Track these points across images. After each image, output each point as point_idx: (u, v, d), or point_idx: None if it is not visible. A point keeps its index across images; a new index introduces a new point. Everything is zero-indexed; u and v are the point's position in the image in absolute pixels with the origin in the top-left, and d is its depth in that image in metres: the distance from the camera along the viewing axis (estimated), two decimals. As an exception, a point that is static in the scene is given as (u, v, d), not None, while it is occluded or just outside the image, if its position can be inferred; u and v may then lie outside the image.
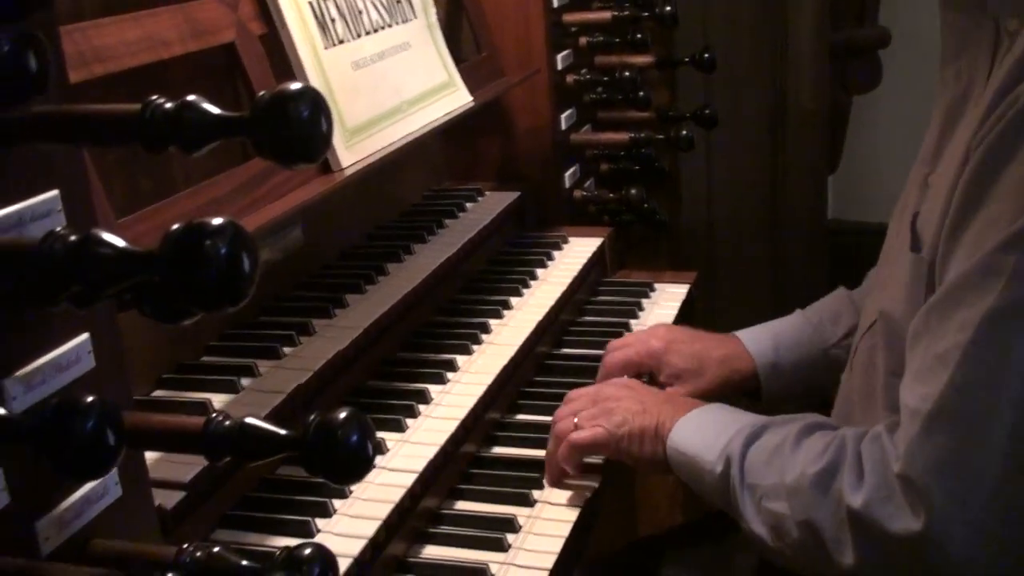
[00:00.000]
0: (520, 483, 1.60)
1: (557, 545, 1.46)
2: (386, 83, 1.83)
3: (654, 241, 2.76)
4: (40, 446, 0.82)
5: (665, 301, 2.21)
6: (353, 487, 1.44)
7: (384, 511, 1.39)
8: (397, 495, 1.43)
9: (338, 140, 1.63)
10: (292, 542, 0.90)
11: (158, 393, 1.51)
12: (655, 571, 1.82)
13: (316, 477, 0.89)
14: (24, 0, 0.72)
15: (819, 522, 1.34)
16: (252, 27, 1.58)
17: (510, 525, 1.49)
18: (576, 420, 1.61)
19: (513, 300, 2.03)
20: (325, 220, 1.96)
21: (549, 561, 1.42)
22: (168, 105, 0.81)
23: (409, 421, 1.60)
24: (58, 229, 0.76)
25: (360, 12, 1.81)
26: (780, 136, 3.68)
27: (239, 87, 1.59)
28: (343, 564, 1.29)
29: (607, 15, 2.45)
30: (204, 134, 0.81)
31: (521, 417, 1.80)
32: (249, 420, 0.91)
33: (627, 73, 2.49)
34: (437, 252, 2.05)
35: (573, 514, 1.53)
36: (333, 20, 1.72)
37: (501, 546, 1.45)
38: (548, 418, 1.69)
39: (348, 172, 1.62)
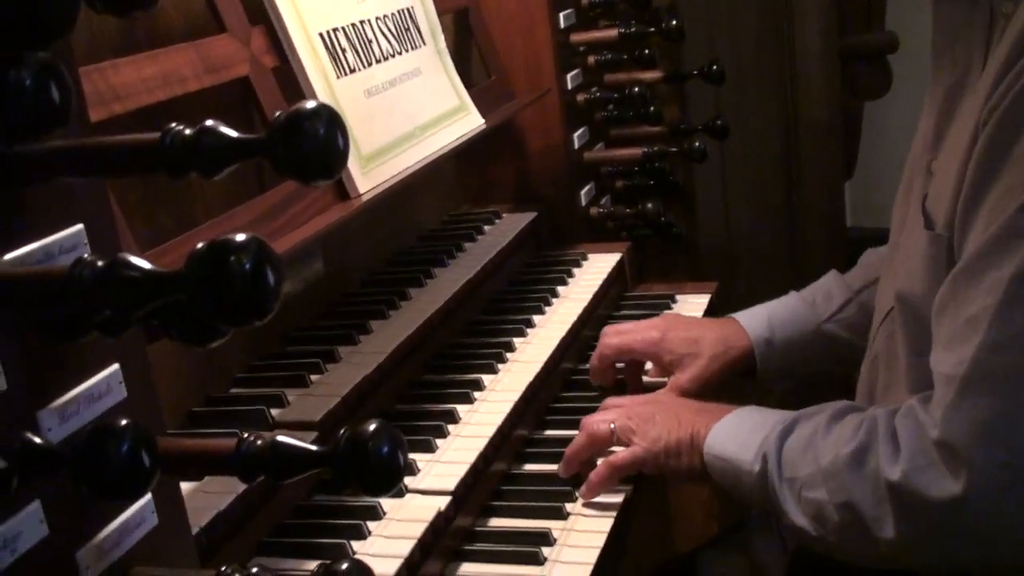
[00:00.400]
0: (552, 497, 1.61)
1: (593, 556, 1.46)
2: (399, 109, 1.85)
3: (673, 255, 2.77)
4: (77, 471, 0.83)
5: (687, 312, 2.21)
6: (387, 508, 1.45)
7: (418, 530, 1.40)
8: (430, 514, 1.43)
9: (354, 167, 1.65)
10: (329, 565, 0.91)
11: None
12: None
13: (348, 490, 0.90)
14: (47, 26, 0.73)
15: (857, 501, 1.35)
16: (265, 60, 1.61)
17: (545, 539, 1.50)
18: (612, 425, 1.63)
19: (536, 318, 2.04)
20: (345, 249, 1.98)
21: (586, 572, 1.42)
22: (187, 131, 0.82)
23: (439, 441, 1.61)
24: (86, 256, 0.78)
25: (370, 41, 1.84)
26: (793, 144, 3.69)
27: (254, 118, 1.62)
28: (380, 584, 1.30)
29: (614, 33, 2.47)
30: (223, 156, 0.83)
31: (550, 433, 1.81)
32: (280, 438, 0.92)
33: (636, 89, 2.51)
34: (457, 275, 2.06)
35: (607, 523, 1.54)
36: (344, 50, 1.74)
37: (537, 559, 1.45)
38: (577, 433, 1.69)
39: (365, 198, 1.64)
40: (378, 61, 1.85)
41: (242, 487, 1.35)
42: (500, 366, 1.85)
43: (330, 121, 0.79)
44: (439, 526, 1.44)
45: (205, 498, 1.32)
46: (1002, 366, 1.23)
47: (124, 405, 1.00)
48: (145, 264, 0.75)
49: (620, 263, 2.34)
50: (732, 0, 3.20)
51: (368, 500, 1.46)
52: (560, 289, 2.18)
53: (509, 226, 2.34)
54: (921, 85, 1.59)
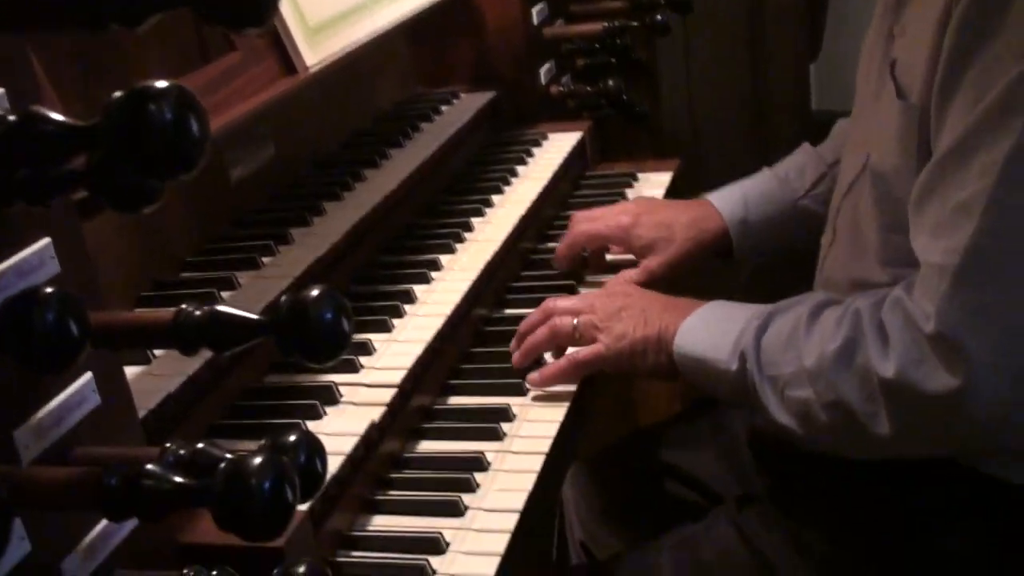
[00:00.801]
0: (512, 374, 1.58)
1: (552, 430, 1.45)
2: (347, -21, 1.77)
3: (636, 135, 2.72)
4: (3, 342, 0.79)
5: (649, 190, 2.17)
6: (343, 389, 1.43)
7: (375, 410, 1.38)
8: (387, 395, 1.41)
9: (300, 39, 1.58)
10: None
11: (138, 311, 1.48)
12: (655, 454, 1.82)
13: (291, 359, 0.87)
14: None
15: (848, 399, 1.30)
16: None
17: (504, 415, 1.48)
18: (575, 322, 1.58)
19: (494, 198, 2.00)
20: (296, 131, 1.92)
21: (545, 446, 1.41)
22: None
23: (395, 321, 1.58)
24: (-3, 112, 0.73)
25: (314, -94, 1.75)
26: (759, 25, 3.62)
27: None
28: (336, 462, 1.28)
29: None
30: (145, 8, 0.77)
31: (510, 312, 1.78)
32: (220, 308, 0.88)
33: (597, -38, 2.43)
34: (414, 155, 2.01)
35: (567, 399, 1.52)
36: (285, -85, 1.66)
37: (497, 435, 1.44)
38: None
39: (313, 71, 1.58)
40: (324, -72, 1.76)
41: (191, 368, 1.32)
42: (458, 246, 1.81)
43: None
44: (396, 405, 1.42)
45: (153, 381, 1.29)
46: (998, 253, 1.18)
47: (58, 280, 0.96)
48: (59, 117, 0.70)
49: (581, 142, 2.29)
50: None
51: (323, 380, 1.43)
52: (519, 169, 2.14)
53: (467, 106, 2.28)
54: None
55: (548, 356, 1.61)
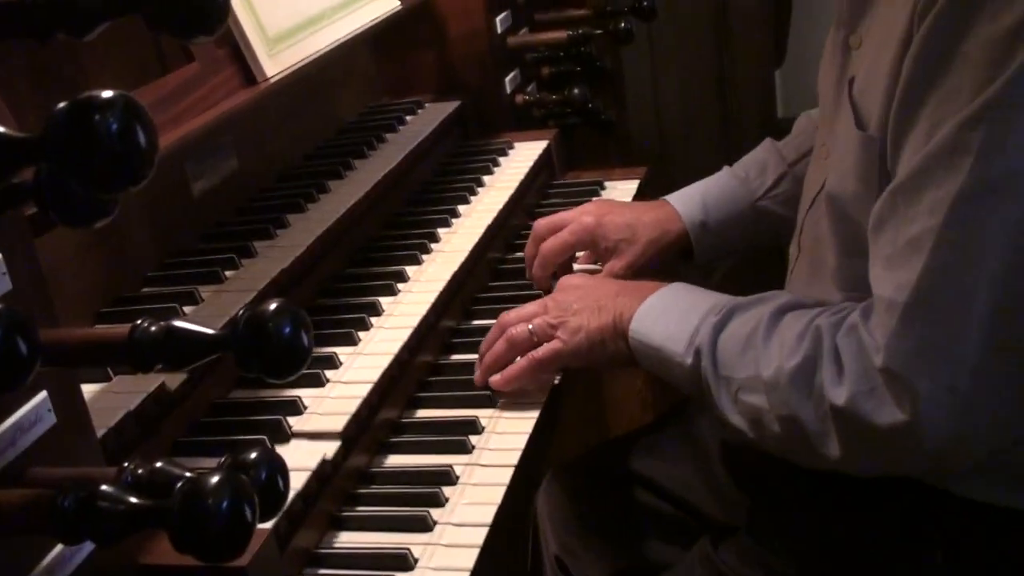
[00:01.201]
0: (481, 387, 1.56)
1: (521, 442, 1.43)
2: (307, -10, 1.76)
3: (603, 144, 2.72)
4: (-52, 363, 0.77)
5: (616, 198, 2.16)
6: (308, 403, 1.40)
7: (340, 423, 1.35)
8: (353, 406, 1.39)
9: (259, 49, 1.56)
10: (248, 463, 0.87)
11: (98, 326, 1.45)
12: (627, 465, 1.80)
13: (251, 374, 0.85)
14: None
15: (801, 418, 1.29)
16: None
17: (472, 427, 1.46)
18: (531, 327, 1.56)
19: (461, 208, 1.98)
20: (260, 144, 1.89)
21: (514, 458, 1.39)
22: None
23: (361, 334, 1.56)
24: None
25: (273, -84, 1.73)
26: (724, 31, 3.63)
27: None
28: (301, 478, 1.26)
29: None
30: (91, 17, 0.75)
31: (477, 323, 1.76)
32: (177, 323, 0.86)
33: (560, -30, 2.43)
34: (378, 166, 1.99)
35: (536, 411, 1.50)
36: (244, -75, 1.64)
37: (465, 448, 1.42)
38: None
39: (273, 81, 1.56)
40: (283, -62, 1.74)
41: (152, 385, 1.29)
42: (424, 257, 1.80)
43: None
44: (363, 418, 1.40)
45: (114, 398, 1.27)
46: (944, 292, 1.18)
47: (9, 297, 0.94)
48: (0, 128, 0.68)
49: (547, 151, 2.28)
50: None
51: (288, 395, 1.41)
52: (486, 179, 2.12)
53: (432, 116, 2.26)
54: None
55: None
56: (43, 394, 0.96)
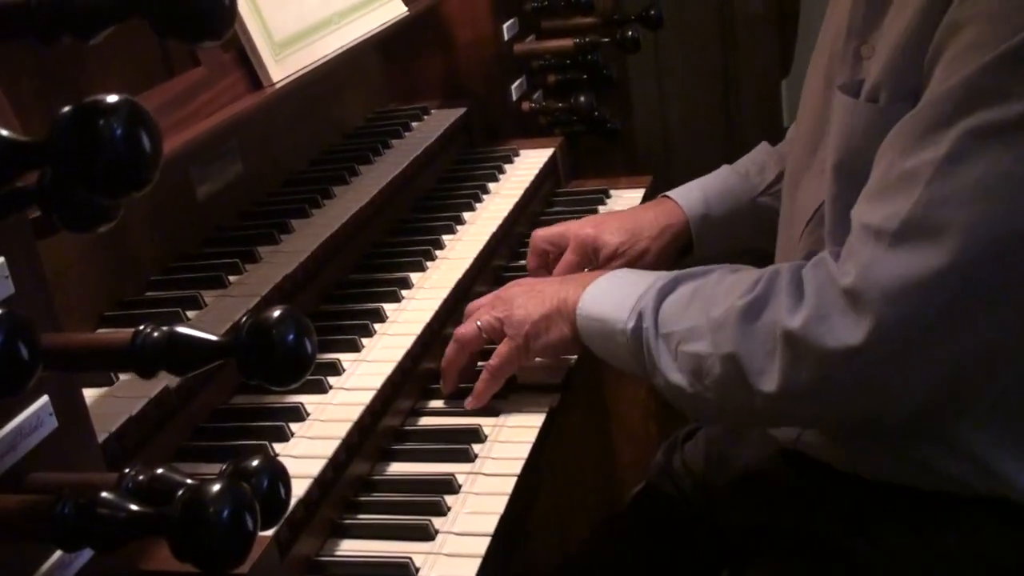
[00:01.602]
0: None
1: (524, 451, 1.42)
2: (314, -6, 1.75)
3: (609, 152, 2.71)
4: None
5: (621, 206, 2.15)
6: (311, 409, 1.40)
7: (343, 430, 1.35)
8: (356, 413, 1.38)
9: (266, 54, 1.56)
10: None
11: (101, 331, 1.45)
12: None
13: (253, 382, 0.84)
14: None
15: (744, 353, 1.30)
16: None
17: (476, 436, 1.45)
18: (479, 323, 1.58)
19: (466, 215, 1.98)
20: (265, 148, 1.89)
21: (517, 467, 1.39)
22: None
23: (365, 340, 1.55)
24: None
25: (281, -79, 1.73)
26: (729, 40, 3.63)
27: None
28: (303, 485, 1.25)
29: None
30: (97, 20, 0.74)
31: (481, 330, 1.75)
32: (179, 329, 0.85)
33: (568, -23, 2.42)
34: (383, 172, 1.98)
35: (539, 419, 1.50)
36: (252, -71, 1.64)
37: (468, 456, 1.41)
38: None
39: (280, 86, 1.55)
40: (291, -57, 1.74)
41: (154, 391, 1.28)
42: (428, 263, 1.79)
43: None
44: (365, 425, 1.40)
45: (116, 403, 1.26)
46: (936, 223, 1.17)
47: (12, 301, 0.93)
48: (4, 131, 0.67)
49: (553, 158, 2.27)
50: None
51: (291, 401, 1.40)
52: (491, 185, 2.12)
53: (438, 122, 2.26)
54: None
55: None
56: (44, 398, 0.96)
